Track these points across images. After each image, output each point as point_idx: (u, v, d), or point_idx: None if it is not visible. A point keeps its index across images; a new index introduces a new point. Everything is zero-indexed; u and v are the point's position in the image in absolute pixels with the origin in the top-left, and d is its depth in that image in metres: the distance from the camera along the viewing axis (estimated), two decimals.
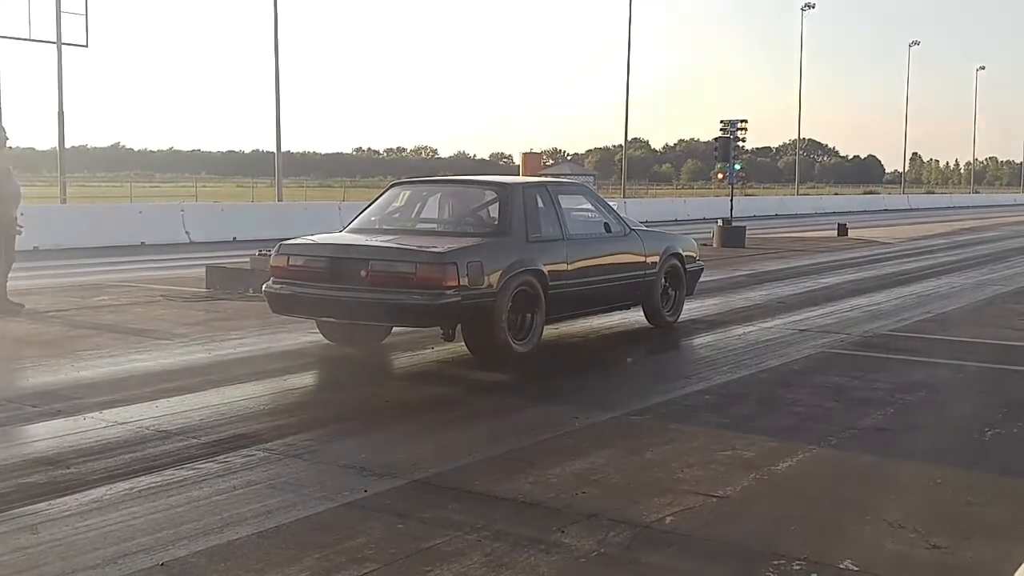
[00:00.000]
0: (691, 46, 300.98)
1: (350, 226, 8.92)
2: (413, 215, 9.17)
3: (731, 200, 27.59)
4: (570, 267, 8.76)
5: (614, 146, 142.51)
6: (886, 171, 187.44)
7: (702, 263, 11.67)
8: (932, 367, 8.75)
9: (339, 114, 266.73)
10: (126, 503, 4.87)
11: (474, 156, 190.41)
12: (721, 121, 25.90)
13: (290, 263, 8.18)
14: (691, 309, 11.87)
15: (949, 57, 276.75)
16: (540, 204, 8.81)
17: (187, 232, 24.68)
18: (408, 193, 9.47)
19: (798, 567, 4.15)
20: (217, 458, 5.64)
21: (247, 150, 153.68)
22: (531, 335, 8.40)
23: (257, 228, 24.84)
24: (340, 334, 8.77)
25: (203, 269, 14.15)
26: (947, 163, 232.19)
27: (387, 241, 8.25)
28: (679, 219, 38.99)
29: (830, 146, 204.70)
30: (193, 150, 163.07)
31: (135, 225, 24.06)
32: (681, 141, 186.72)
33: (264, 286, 8.61)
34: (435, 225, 9.00)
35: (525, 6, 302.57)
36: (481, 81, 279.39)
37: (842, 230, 28.84)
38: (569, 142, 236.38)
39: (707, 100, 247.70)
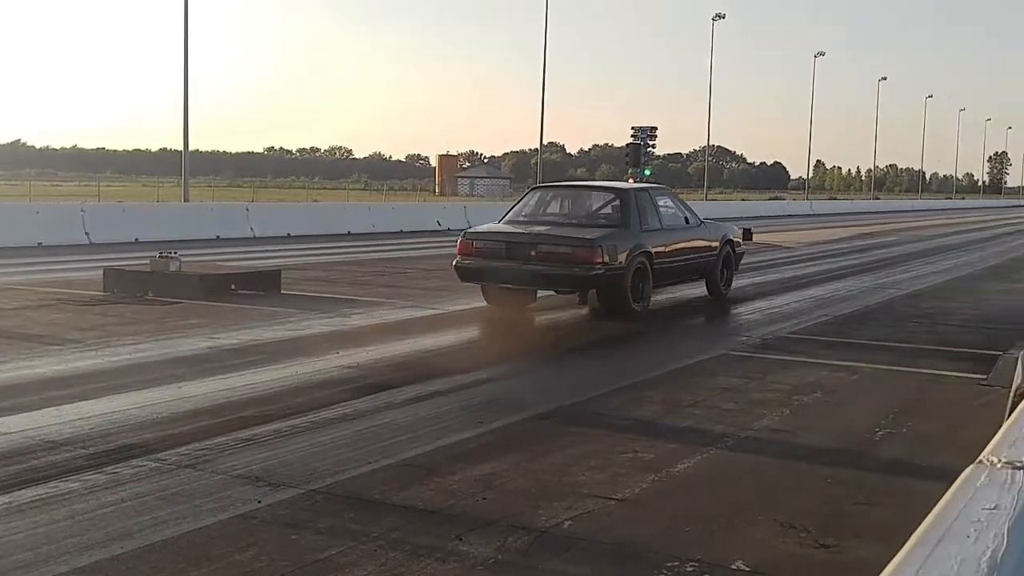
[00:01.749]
0: (606, 53, 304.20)
1: (505, 219, 11.83)
2: (556, 211, 12.08)
3: None
4: (666, 249, 11.64)
5: (530, 149, 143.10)
6: (791, 177, 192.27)
7: (744, 247, 14.53)
8: (828, 369, 8.94)
9: (251, 113, 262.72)
10: (5, 518, 4.67)
11: (390, 157, 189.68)
12: (632, 128, 26.27)
13: (474, 245, 10.97)
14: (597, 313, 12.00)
15: (853, 68, 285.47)
16: (646, 203, 11.70)
17: (87, 233, 23.92)
18: (547, 195, 12.58)
19: (691, 568, 4.18)
20: (105, 469, 5.45)
21: (154, 148, 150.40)
22: (643, 299, 11.27)
23: (161, 229, 24.19)
24: (499, 299, 11.56)
25: (101, 271, 13.74)
26: (849, 170, 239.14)
27: (547, 230, 11.04)
28: None
29: (739, 153, 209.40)
30: (98, 148, 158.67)
31: (32, 226, 23.21)
32: (596, 146, 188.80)
33: (454, 262, 11.40)
34: (575, 219, 11.61)
35: (444, 5, 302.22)
36: (397, 82, 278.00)
37: (747, 234, 29.15)
38: (486, 144, 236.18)
39: (622, 106, 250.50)
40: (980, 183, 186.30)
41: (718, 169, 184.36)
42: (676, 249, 12.08)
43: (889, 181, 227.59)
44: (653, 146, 26.29)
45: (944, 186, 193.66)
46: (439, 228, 31.88)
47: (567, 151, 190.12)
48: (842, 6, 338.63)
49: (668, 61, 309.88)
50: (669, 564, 4.21)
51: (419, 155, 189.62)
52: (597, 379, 8.36)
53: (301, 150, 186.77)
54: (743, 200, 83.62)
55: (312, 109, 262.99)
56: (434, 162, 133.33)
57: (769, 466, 5.83)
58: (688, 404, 7.36)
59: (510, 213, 12.11)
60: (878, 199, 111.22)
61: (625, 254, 10.81)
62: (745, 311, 12.94)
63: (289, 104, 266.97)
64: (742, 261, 14.80)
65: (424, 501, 5.02)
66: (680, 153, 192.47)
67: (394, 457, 5.83)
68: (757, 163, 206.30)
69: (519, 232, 11.08)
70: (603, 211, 11.95)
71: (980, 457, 2.40)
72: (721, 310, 12.96)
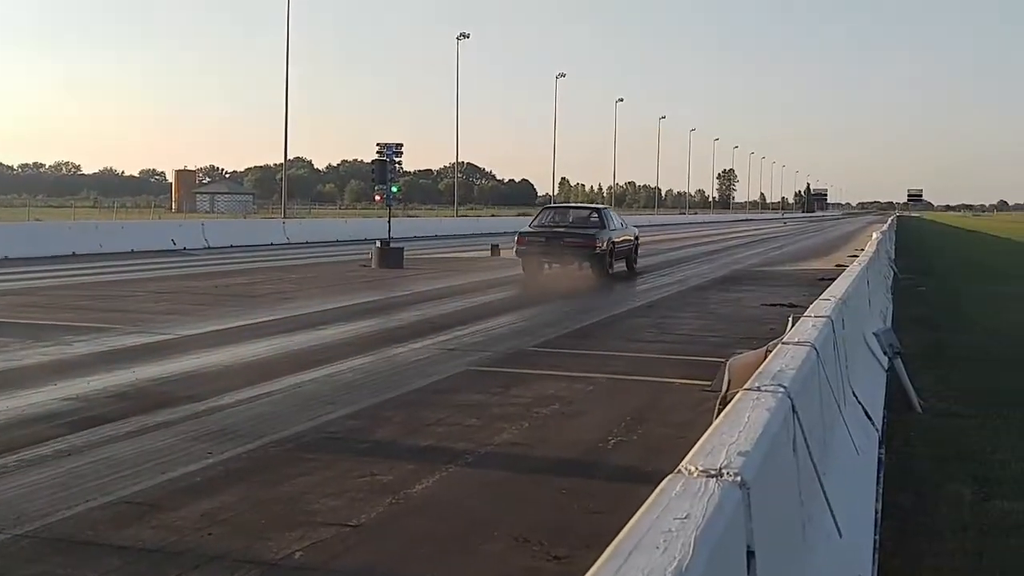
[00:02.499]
0: (356, 67, 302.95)
1: (533, 225, 20.68)
2: (563, 219, 21.02)
3: (388, 221, 27.91)
4: (619, 240, 20.51)
5: (275, 164, 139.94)
6: (538, 194, 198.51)
7: (640, 240, 24.57)
8: (568, 380, 9.23)
9: None
10: None
11: (122, 172, 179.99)
12: (378, 144, 26.17)
13: (526, 239, 19.40)
14: (338, 333, 11.91)
15: (593, 89, 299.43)
16: (608, 214, 21.18)
17: None
18: (553, 211, 21.90)
19: None
20: None
21: None
22: (614, 268, 20.54)
23: None
24: (532, 269, 20.08)
25: None
26: (592, 187, 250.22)
27: (566, 230, 19.70)
28: (340, 239, 38.86)
29: (488, 170, 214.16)
30: None
31: None
32: (344, 161, 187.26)
33: (515, 250, 20.29)
34: (577, 224, 20.10)
35: (179, 11, 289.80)
36: (131, 93, 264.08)
37: (495, 250, 30.05)
38: (228, 159, 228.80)
39: (372, 121, 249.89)
40: (711, 199, 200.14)
41: (468, 186, 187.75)
42: (622, 240, 21.55)
43: (629, 197, 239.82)
44: (400, 162, 26.29)
45: (678, 202, 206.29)
46: (174, 247, 30.54)
47: (315, 166, 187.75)
48: (582, 30, 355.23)
49: (419, 77, 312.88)
50: None
51: (155, 170, 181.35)
52: (336, 401, 8.21)
53: (23, 165, 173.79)
54: (493, 216, 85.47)
55: (34, 121, 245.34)
56: (171, 177, 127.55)
57: (507, 481, 5.92)
58: (430, 423, 7.37)
59: (535, 221, 21.89)
60: None
61: (604, 242, 19.92)
62: (490, 326, 13.17)
63: (6, 115, 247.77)
64: (637, 253, 24.20)
65: (145, 540, 4.73)
66: (431, 170, 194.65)
67: (113, 495, 5.47)
68: (506, 180, 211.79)
69: (550, 231, 20.45)
70: (591, 219, 21.31)
71: (679, 466, 2.52)
72: (469, 323, 13.12)
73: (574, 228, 20.90)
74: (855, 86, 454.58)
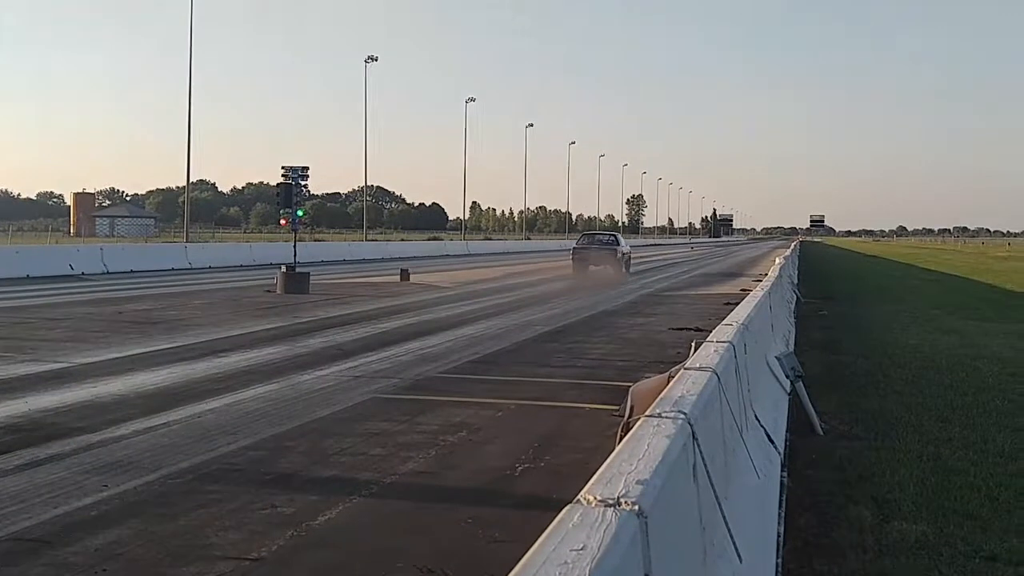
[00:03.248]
0: (261, 90, 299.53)
1: (576, 244, 35.69)
2: (596, 240, 36.03)
3: (295, 246, 27.60)
4: (626, 252, 34.99)
5: (178, 187, 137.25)
6: (449, 218, 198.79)
7: (632, 252, 38.28)
8: (476, 407, 9.23)
9: None
10: None
11: (18, 195, 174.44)
12: (283, 167, 25.86)
13: (578, 248, 34.26)
14: (241, 361, 11.72)
15: (504, 113, 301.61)
16: (618, 235, 38.59)
17: None
18: (589, 236, 37.45)
19: None
20: None
21: None
22: (629, 271, 35.12)
23: None
24: (583, 270, 32.63)
25: None
26: (503, 211, 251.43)
27: (600, 247, 34.22)
28: (245, 264, 38.27)
29: (398, 193, 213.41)
30: None
31: None
32: (250, 184, 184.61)
33: (571, 256, 34.38)
34: (605, 242, 34.93)
35: (86, 32, 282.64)
36: (27, 113, 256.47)
37: (404, 275, 29.95)
38: (129, 182, 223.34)
39: (279, 144, 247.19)
40: (621, 224, 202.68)
41: (378, 209, 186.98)
42: (625, 253, 33.80)
43: (540, 222, 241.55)
44: (306, 185, 26.04)
45: (589, 227, 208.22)
46: (72, 272, 29.70)
47: (219, 189, 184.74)
48: (490, 55, 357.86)
49: (328, 100, 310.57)
50: None
51: (52, 193, 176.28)
52: (237, 431, 8.05)
53: None
54: (403, 240, 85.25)
55: None
56: (69, 201, 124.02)
57: (412, 511, 5.88)
58: (334, 452, 7.28)
59: (578, 242, 35.87)
60: (530, 239, 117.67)
61: (620, 254, 33.20)
62: (397, 352, 13.09)
63: None
64: (632, 261, 36.61)
65: None
66: (339, 193, 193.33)
67: (1, 531, 5.26)
68: (417, 204, 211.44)
69: (592, 247, 33.79)
70: (610, 239, 35.40)
71: (578, 495, 2.53)
72: (376, 349, 13.02)
73: (604, 245, 35.31)
74: (758, 114, 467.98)
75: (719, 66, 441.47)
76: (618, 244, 34.99)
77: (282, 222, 26.91)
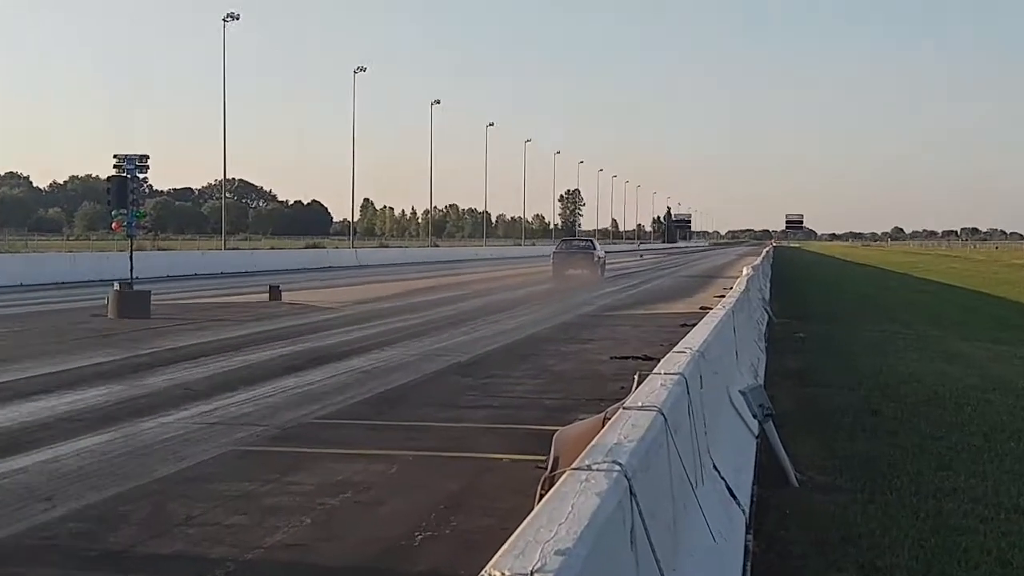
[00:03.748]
0: (85, 55, 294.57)
1: (556, 250, 51.04)
2: (574, 245, 54.27)
3: (131, 256, 27.10)
4: (602, 256, 50.69)
5: None
6: (334, 220, 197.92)
7: (607, 257, 54.48)
8: (365, 461, 9.19)
9: None
10: None
11: None
12: (115, 156, 25.39)
13: (557, 252, 49.29)
14: (61, 405, 11.51)
15: (406, 90, 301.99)
16: (594, 240, 58.85)
17: None
18: (567, 241, 58.98)
19: None
20: None
21: None
22: (604, 274, 49.43)
23: None
24: (561, 274, 45.27)
25: None
26: (404, 211, 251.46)
27: (578, 250, 50.40)
28: (68, 281, 37.54)
29: (267, 189, 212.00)
30: None
31: None
32: (75, 178, 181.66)
33: (551, 260, 48.58)
34: (582, 247, 51.77)
35: None
36: None
37: (275, 293, 29.69)
38: None
39: (111, 128, 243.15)
40: (552, 226, 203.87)
41: (241, 209, 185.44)
42: (600, 257, 49.26)
43: (451, 224, 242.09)
44: (146, 179, 25.69)
45: (512, 230, 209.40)
46: None
47: (34, 184, 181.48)
48: (371, 21, 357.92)
49: (170, 70, 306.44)
50: None
51: None
52: (55, 496, 7.88)
53: None
54: (273, 249, 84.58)
55: None
56: None
57: None
58: (180, 522, 7.18)
59: (557, 247, 51.94)
60: (438, 246, 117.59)
61: (596, 257, 48.11)
62: (266, 392, 12.98)
63: None
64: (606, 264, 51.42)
65: None
66: (191, 189, 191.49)
67: None
68: (291, 202, 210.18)
69: (570, 251, 49.37)
70: (586, 244, 53.09)
71: (484, 569, 2.52)
72: (237, 389, 12.88)
73: (580, 250, 49.95)
74: (723, 101, 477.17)
75: (673, 45, 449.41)
76: (594, 249, 50.71)
77: (114, 226, 26.44)
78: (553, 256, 49.02)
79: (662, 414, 4.57)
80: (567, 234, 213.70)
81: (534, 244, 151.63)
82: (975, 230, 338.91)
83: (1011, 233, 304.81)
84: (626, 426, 4.18)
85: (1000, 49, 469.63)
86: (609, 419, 4.63)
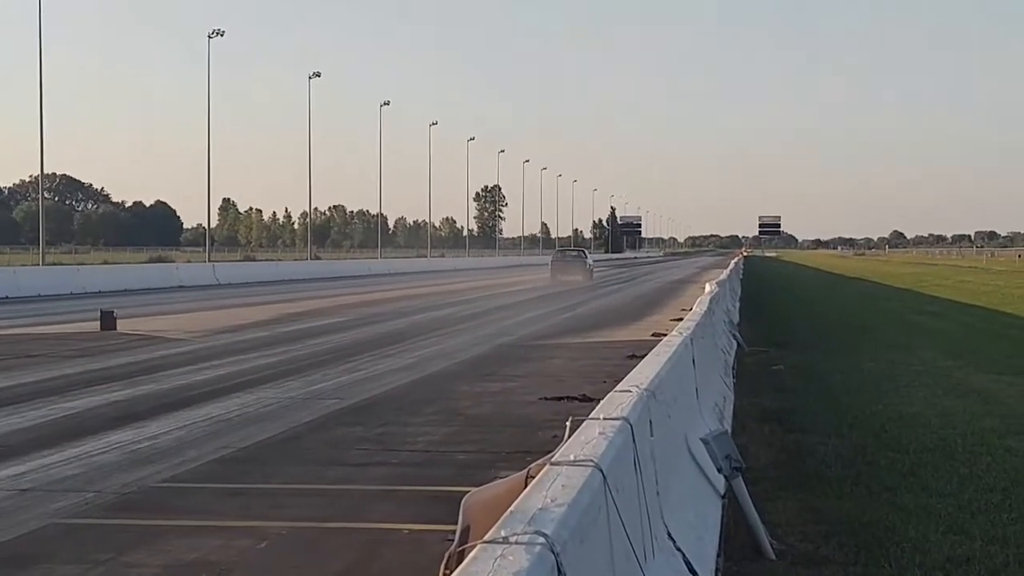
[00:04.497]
0: None
1: (554, 256, 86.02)
2: (568, 253, 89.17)
3: None
4: (592, 263, 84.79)
5: None
6: (185, 226, 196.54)
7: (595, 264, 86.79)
8: (224, 535, 9.15)
9: None
10: None
11: None
12: None
13: (554, 261, 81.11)
14: None
15: (278, 67, 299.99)
16: (585, 251, 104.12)
17: None
18: (559, 251, 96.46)
19: None
20: None
21: None
22: (593, 278, 78.10)
23: None
24: (560, 278, 72.64)
25: None
26: (275, 214, 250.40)
27: (572, 259, 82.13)
28: None
29: (99, 188, 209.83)
30: None
31: None
32: None
33: (550, 265, 79.99)
34: (576, 255, 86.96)
35: None
36: None
37: (109, 321, 29.38)
38: None
39: None
40: (467, 231, 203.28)
41: (64, 213, 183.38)
42: (590, 264, 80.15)
43: (336, 231, 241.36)
44: None
45: (415, 237, 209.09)
46: None
47: None
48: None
49: None
50: None
51: None
52: None
53: None
54: (107, 263, 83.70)
55: None
56: None
57: None
58: None
59: (554, 255, 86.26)
60: (320, 258, 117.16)
61: (587, 264, 78.13)
62: (96, 448, 12.85)
63: None
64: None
65: None
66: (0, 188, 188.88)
67: None
68: (130, 204, 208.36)
69: (565, 260, 79.98)
70: (578, 255, 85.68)
71: None
72: (57, 445, 12.73)
73: (574, 258, 79.33)
74: (679, 73, 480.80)
75: (615, 20, 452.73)
76: (586, 258, 79.27)
77: None
78: (551, 263, 77.92)
79: (600, 470, 4.59)
80: (483, 241, 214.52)
81: (443, 255, 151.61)
82: (993, 234, 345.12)
83: None
84: (554, 486, 4.19)
85: None
86: (533, 477, 4.65)
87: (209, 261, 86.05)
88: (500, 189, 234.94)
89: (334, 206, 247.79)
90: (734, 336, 23.49)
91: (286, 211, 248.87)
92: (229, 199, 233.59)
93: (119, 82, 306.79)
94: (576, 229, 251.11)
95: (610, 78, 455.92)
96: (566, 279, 69.97)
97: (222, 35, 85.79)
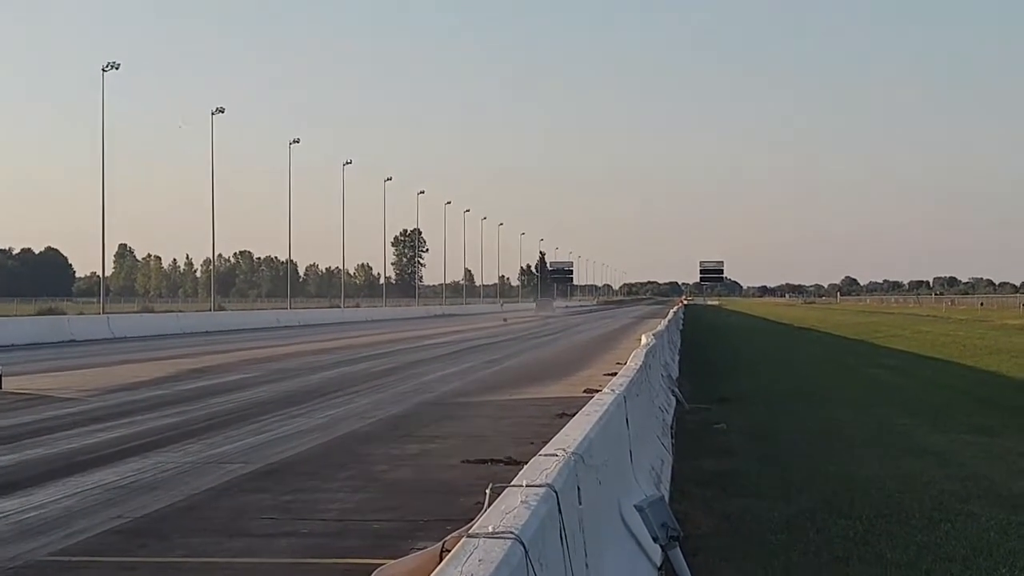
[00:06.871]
0: None
1: (535, 303, 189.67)
2: (544, 299, 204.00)
3: None
4: (560, 305, 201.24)
5: None
6: (77, 275, 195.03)
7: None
8: None
9: None
10: None
11: None
12: None
13: (537, 303, 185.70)
14: None
15: (176, 104, 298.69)
16: (553, 296, 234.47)
17: None
18: (542, 298, 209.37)
19: None
20: None
21: None
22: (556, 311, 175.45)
23: None
24: (540, 314, 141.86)
25: None
26: (175, 261, 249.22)
27: (545, 301, 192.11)
28: None
29: None
30: None
31: None
32: None
33: (536, 304, 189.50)
34: (546, 300, 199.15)
35: None
36: None
37: None
38: None
39: None
40: (384, 280, 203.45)
41: None
42: (557, 305, 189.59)
43: (241, 279, 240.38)
44: None
45: (327, 285, 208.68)
46: None
47: None
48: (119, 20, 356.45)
49: None
50: None
51: None
52: None
53: None
54: None
55: None
56: None
57: None
58: None
59: (540, 300, 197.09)
60: (224, 309, 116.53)
61: (555, 304, 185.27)
62: None
63: None
64: None
65: None
66: None
67: None
68: (17, 251, 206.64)
69: (543, 300, 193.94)
70: (550, 298, 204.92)
71: None
72: None
73: (548, 301, 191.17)
74: (614, 110, 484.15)
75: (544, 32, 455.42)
76: (553, 300, 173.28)
77: None
78: (536, 304, 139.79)
79: (521, 543, 4.58)
80: (402, 290, 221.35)
81: (358, 305, 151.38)
82: (953, 280, 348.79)
83: (1000, 284, 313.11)
84: (470, 561, 4.19)
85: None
86: (449, 551, 4.63)
87: (104, 312, 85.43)
88: (420, 233, 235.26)
89: (240, 252, 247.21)
90: (673, 392, 23.55)
91: (187, 258, 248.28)
92: (126, 245, 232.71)
93: (1, 117, 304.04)
94: (503, 276, 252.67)
95: (539, 118, 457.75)
96: (543, 314, 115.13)
97: (117, 68, 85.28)
